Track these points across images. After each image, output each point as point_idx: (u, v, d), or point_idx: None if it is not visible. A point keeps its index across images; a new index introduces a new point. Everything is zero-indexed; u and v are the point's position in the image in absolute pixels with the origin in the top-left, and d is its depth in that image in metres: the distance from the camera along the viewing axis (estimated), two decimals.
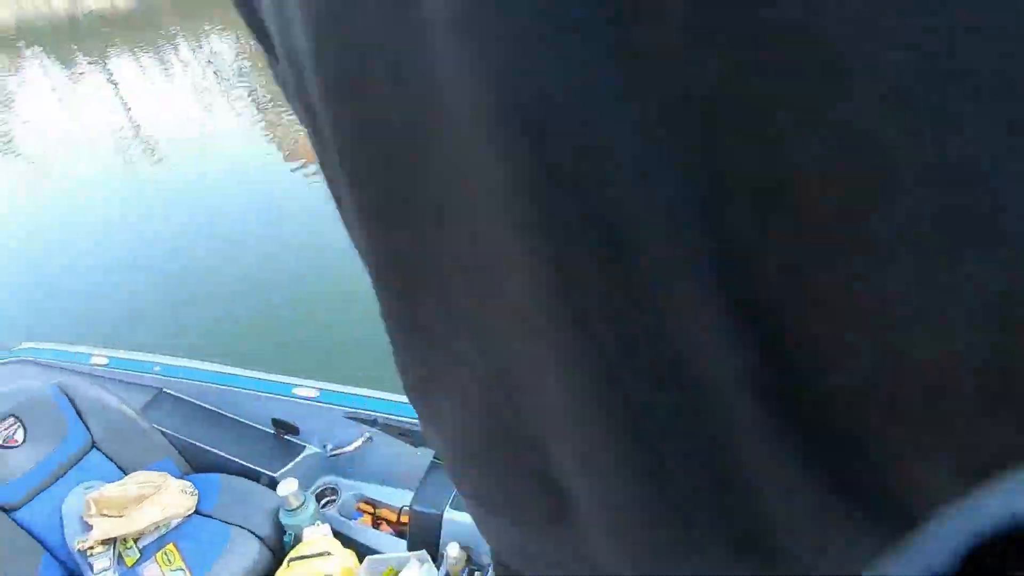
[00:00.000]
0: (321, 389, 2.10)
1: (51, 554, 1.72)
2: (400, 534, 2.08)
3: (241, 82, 7.28)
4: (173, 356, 2.35)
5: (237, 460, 2.12)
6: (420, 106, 0.22)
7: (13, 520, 1.67)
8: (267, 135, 5.70)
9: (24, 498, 1.70)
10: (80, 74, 8.82)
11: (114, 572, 1.76)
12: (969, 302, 0.16)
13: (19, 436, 1.74)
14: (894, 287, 0.17)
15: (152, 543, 1.85)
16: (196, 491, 1.96)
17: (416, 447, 1.99)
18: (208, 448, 2.15)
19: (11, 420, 1.73)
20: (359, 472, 2.21)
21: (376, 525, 2.13)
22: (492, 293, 0.25)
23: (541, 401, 0.26)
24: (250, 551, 1.83)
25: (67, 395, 1.85)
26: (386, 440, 2.05)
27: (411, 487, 2.15)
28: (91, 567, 1.73)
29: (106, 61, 9.18)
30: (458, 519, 1.73)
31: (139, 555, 1.81)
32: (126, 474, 1.93)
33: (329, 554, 1.76)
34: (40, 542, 1.71)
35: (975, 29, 0.13)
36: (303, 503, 1.91)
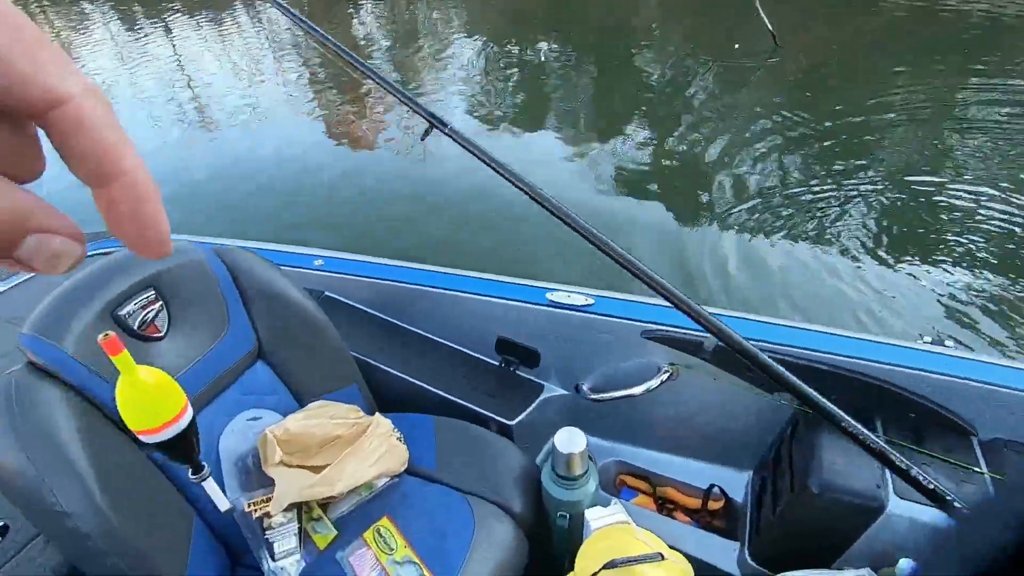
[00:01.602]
0: (596, 295, 1.35)
1: (203, 516, 1.03)
2: (710, 528, 1.32)
3: (294, 54, 6.84)
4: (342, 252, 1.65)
5: (448, 397, 1.40)
6: None
7: (152, 461, 0.99)
8: (316, 109, 5.22)
9: None
10: (139, 31, 8.51)
11: (301, 558, 1.06)
12: None
13: (161, 323, 1.05)
14: None
15: (351, 515, 1.14)
16: (404, 439, 1.24)
17: (771, 393, 1.22)
18: (401, 376, 1.44)
19: (150, 294, 1.04)
20: (621, 428, 1.46)
21: (660, 510, 1.38)
22: None
23: None
24: (502, 536, 1.11)
25: (229, 268, 1.16)
26: (700, 381, 1.29)
27: (717, 459, 1.40)
28: (268, 546, 1.03)
29: (166, 21, 8.89)
30: (911, 514, 0.96)
31: (335, 533, 1.10)
32: (300, 405, 1.23)
33: (661, 557, 1.01)
34: (186, 493, 1.02)
35: None
36: (586, 472, 1.17)
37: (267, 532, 1.04)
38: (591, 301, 1.32)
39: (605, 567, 1.00)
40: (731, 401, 1.29)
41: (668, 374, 1.29)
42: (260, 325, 1.19)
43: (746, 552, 1.20)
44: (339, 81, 5.73)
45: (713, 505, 1.34)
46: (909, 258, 2.87)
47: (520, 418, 1.36)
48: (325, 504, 1.16)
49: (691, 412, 1.35)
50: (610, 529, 1.11)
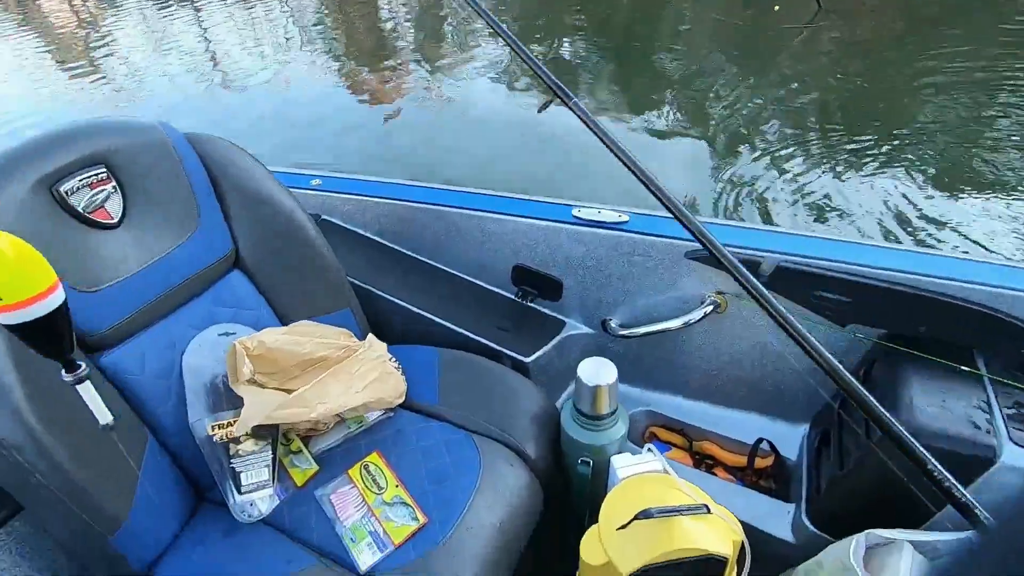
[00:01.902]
0: (632, 212, 1.15)
1: (158, 437, 0.87)
2: (757, 488, 1.13)
3: (320, 35, 6.71)
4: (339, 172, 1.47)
5: (455, 329, 1.22)
6: None
7: (100, 369, 0.83)
8: (344, 88, 5.08)
9: (118, 331, 0.85)
10: (168, 5, 8.47)
11: (274, 493, 0.89)
12: None
13: (114, 207, 0.89)
14: None
15: (335, 449, 0.97)
16: (402, 369, 1.07)
17: (843, 326, 1.01)
18: (402, 305, 1.26)
19: (100, 172, 0.88)
20: (653, 373, 1.27)
21: (697, 465, 1.19)
22: None
23: None
24: (513, 482, 0.93)
25: (201, 157, 0.99)
26: (751, 314, 1.09)
27: (766, 409, 1.20)
28: (234, 476, 0.86)
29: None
30: None
31: (316, 468, 0.94)
32: (283, 324, 1.06)
33: (706, 510, 0.83)
34: (141, 413, 0.86)
35: None
36: (614, 412, 0.99)
37: (233, 460, 0.87)
38: (626, 218, 1.13)
39: (638, 517, 0.81)
40: (789, 338, 1.09)
41: (714, 305, 1.09)
42: (238, 227, 1.02)
43: (803, 514, 1.00)
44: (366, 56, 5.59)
45: (760, 463, 1.14)
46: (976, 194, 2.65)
47: (537, 356, 1.18)
48: (307, 437, 0.99)
49: (738, 353, 1.15)
50: (644, 478, 0.92)
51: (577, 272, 1.21)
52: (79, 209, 0.83)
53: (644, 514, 0.81)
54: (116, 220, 0.88)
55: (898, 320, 0.95)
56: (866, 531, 0.75)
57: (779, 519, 1.04)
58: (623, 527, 0.84)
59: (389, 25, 6.39)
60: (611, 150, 0.90)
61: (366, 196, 1.36)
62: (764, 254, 1.01)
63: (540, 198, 1.24)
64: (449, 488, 0.90)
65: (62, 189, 0.82)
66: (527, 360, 1.17)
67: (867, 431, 0.90)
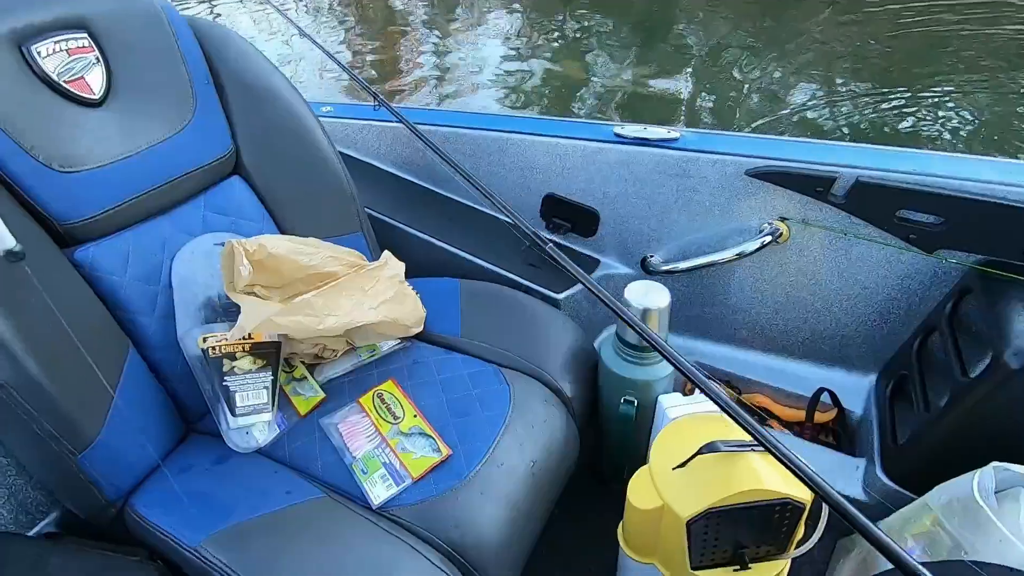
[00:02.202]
0: (683, 130, 1.02)
1: (141, 352, 0.75)
2: (817, 442, 1.00)
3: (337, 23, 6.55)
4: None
5: (479, 262, 1.10)
6: None
7: (74, 264, 0.71)
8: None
9: (97, 223, 0.73)
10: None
11: (273, 421, 0.77)
12: None
13: (96, 81, 0.76)
14: None
15: (343, 378, 0.85)
16: (419, 296, 0.94)
17: (929, 252, 0.88)
18: (420, 236, 1.14)
19: (81, 39, 0.76)
20: (698, 318, 1.14)
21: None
22: None
23: None
24: (549, 421, 0.81)
25: (200, 39, 0.87)
26: (817, 245, 0.96)
27: (827, 358, 1.06)
28: (227, 397, 0.74)
29: None
30: None
31: (322, 396, 0.81)
32: None
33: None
34: (121, 321, 0.74)
35: None
36: (664, 341, 0.86)
37: (227, 379, 0.75)
38: (676, 134, 1.00)
39: (701, 451, 0.69)
40: (861, 271, 0.95)
41: (774, 234, 0.97)
42: (240, 126, 0.89)
43: (878, 469, 0.87)
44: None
45: (821, 416, 1.02)
46: None
47: (570, 292, 1.05)
48: (312, 366, 0.87)
49: (797, 293, 1.02)
50: (702, 416, 0.80)
51: (615, 202, 1.08)
52: (51, 75, 0.70)
53: (709, 447, 0.68)
54: (98, 97, 0.75)
55: (999, 242, 0.82)
56: (992, 464, 0.62)
57: (847, 475, 0.91)
58: (681, 466, 0.71)
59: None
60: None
61: (381, 122, 1.24)
62: (840, 170, 0.88)
63: (576, 119, 1.12)
64: (475, 422, 0.77)
65: (33, 50, 0.69)
66: (559, 296, 1.04)
67: (962, 368, 0.77)
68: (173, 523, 0.66)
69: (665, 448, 0.76)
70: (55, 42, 0.71)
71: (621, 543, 0.80)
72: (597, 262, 1.14)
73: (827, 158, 0.89)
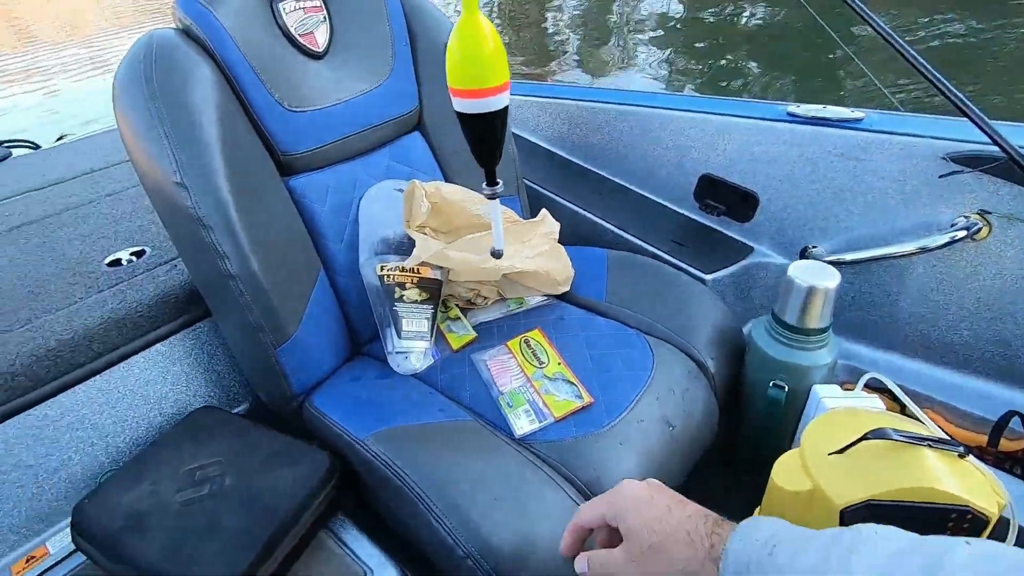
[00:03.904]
0: (867, 112, 0.95)
1: (328, 274, 0.85)
2: (1003, 470, 0.88)
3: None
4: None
5: (626, 236, 1.10)
6: None
7: (288, 190, 0.83)
8: None
9: (309, 158, 0.85)
10: None
11: (429, 351, 0.84)
12: None
13: (322, 37, 0.89)
14: None
15: (493, 323, 0.91)
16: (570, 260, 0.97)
17: None
18: (571, 208, 1.17)
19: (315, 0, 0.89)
20: (862, 320, 1.05)
21: None
22: None
23: None
24: (692, 393, 0.80)
25: (402, 2, 0.97)
26: (1009, 249, 0.85)
27: (1012, 376, 0.93)
28: (395, 321, 0.83)
29: None
30: None
31: (474, 335, 0.87)
32: None
33: (965, 451, 0.63)
34: (317, 243, 0.85)
35: None
36: (827, 330, 0.81)
37: (397, 305, 0.83)
38: (860, 115, 0.93)
39: (867, 436, 0.64)
40: None
41: (969, 229, 0.86)
42: (425, 87, 0.99)
43: None
44: None
45: (1009, 444, 0.89)
46: None
47: (718, 275, 1.02)
48: (465, 309, 0.94)
49: (991, 298, 0.90)
50: (862, 410, 0.74)
51: (779, 186, 1.03)
52: (291, 29, 0.83)
53: (877, 434, 0.63)
54: (322, 50, 0.88)
55: None
56: None
57: None
58: (840, 451, 0.67)
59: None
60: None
61: (536, 97, 1.29)
62: None
63: (744, 97, 1.08)
64: (617, 378, 0.78)
65: (280, 7, 0.83)
66: (706, 277, 1.02)
67: None
68: (345, 419, 0.75)
69: (820, 433, 0.71)
70: (296, 1, 0.84)
71: None
72: (750, 249, 1.09)
73: None
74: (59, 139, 1.75)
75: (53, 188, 1.26)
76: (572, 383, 0.77)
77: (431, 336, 0.85)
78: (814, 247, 1.02)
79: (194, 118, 0.71)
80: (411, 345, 0.82)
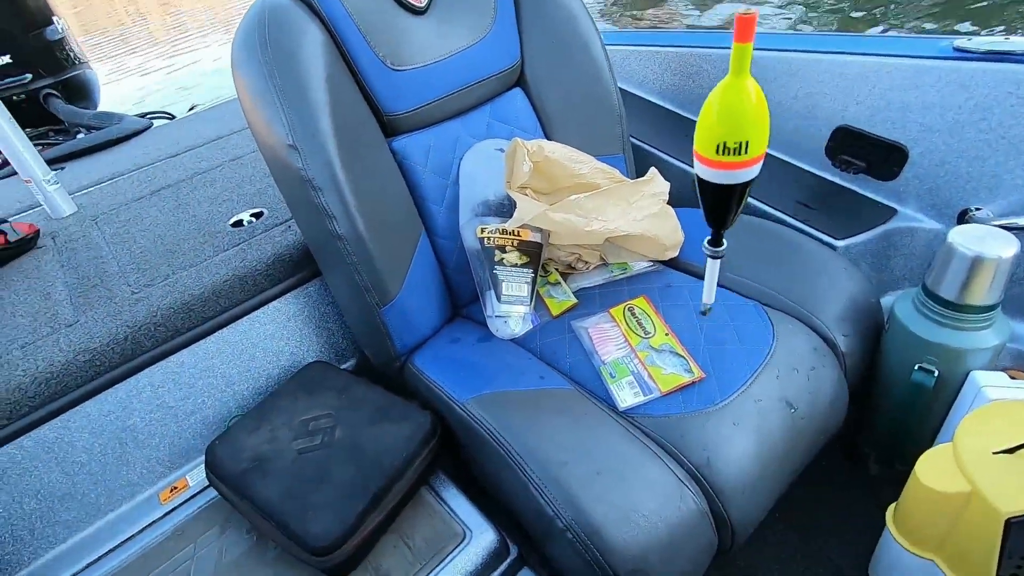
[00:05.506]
0: None
1: (429, 233, 0.85)
2: None
3: None
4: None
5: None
6: None
7: (392, 151, 0.83)
8: None
9: (411, 118, 0.84)
10: None
11: (528, 316, 0.82)
12: None
13: None
14: None
15: (595, 289, 0.87)
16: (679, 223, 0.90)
17: None
18: (677, 165, 1.09)
19: None
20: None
21: None
22: None
23: None
24: (817, 371, 0.71)
25: None
26: None
27: None
28: (495, 284, 0.81)
29: None
30: None
31: (574, 301, 0.84)
32: None
33: None
34: (419, 205, 0.85)
35: None
36: (995, 307, 0.69)
37: (497, 268, 0.82)
38: None
39: None
40: None
41: None
42: (528, 40, 0.94)
43: None
44: None
45: None
46: None
47: (852, 241, 0.90)
48: (566, 274, 0.90)
49: None
50: None
51: (936, 137, 0.87)
52: None
53: None
54: (424, 6, 0.85)
55: None
56: None
57: None
58: (1009, 451, 0.57)
59: None
60: None
61: (641, 46, 1.19)
62: None
63: (894, 34, 0.92)
64: (731, 352, 0.72)
65: None
66: (838, 243, 0.90)
67: None
68: (446, 380, 0.75)
69: (980, 428, 0.61)
70: None
71: (891, 529, 0.68)
72: (892, 211, 0.95)
73: None
74: (191, 109, 1.90)
75: (186, 154, 1.37)
76: (681, 356, 0.72)
77: (531, 301, 0.82)
78: (977, 209, 0.86)
79: (303, 81, 0.71)
80: (510, 309, 0.80)
